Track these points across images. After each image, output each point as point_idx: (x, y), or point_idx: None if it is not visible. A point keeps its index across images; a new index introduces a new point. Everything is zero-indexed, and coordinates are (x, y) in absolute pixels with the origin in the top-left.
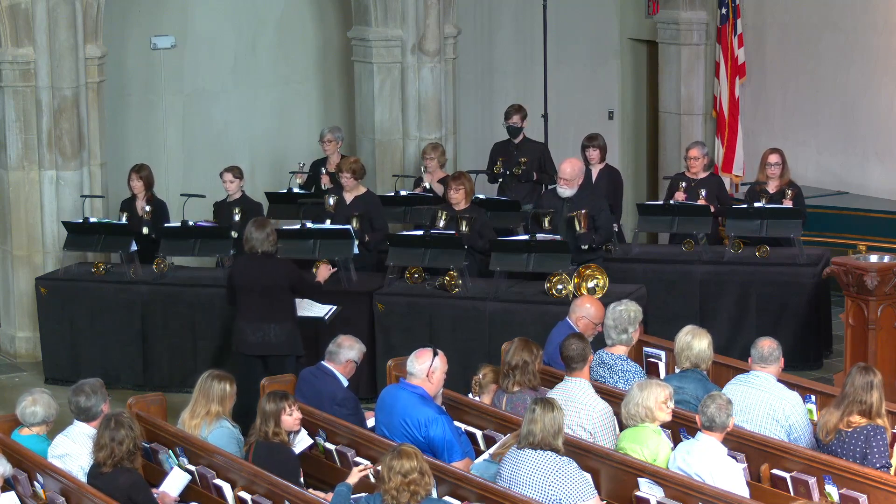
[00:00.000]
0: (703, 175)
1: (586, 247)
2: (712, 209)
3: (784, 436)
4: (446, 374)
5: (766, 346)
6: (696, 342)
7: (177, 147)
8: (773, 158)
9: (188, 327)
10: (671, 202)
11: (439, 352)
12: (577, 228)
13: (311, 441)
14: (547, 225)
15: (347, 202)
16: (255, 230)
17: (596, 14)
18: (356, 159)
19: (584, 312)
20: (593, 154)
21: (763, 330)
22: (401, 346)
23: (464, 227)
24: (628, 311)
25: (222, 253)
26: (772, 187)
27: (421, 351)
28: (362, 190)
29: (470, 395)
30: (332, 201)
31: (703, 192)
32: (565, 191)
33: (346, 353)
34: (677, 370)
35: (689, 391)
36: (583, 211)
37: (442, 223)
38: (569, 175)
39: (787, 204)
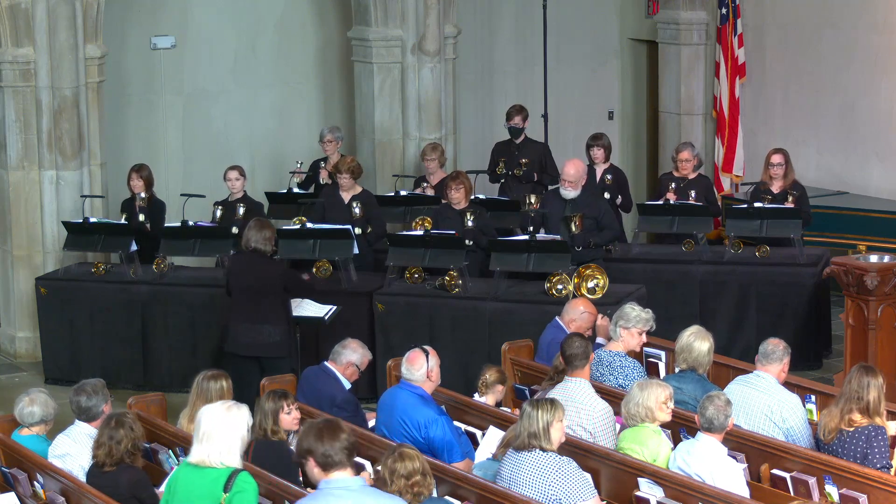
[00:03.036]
0: (692, 175)
1: (580, 248)
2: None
3: (781, 438)
4: (441, 366)
5: (770, 344)
6: (697, 343)
7: (177, 147)
8: (776, 159)
9: (188, 327)
10: (671, 202)
11: (428, 349)
12: (573, 229)
13: None
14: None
15: (345, 202)
16: (255, 231)
17: (596, 14)
18: (353, 159)
19: (577, 315)
20: (598, 153)
21: (763, 330)
22: (401, 346)
23: (469, 222)
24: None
25: (222, 253)
26: (775, 188)
27: (412, 356)
28: (359, 189)
29: (476, 396)
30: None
31: (693, 193)
32: (569, 192)
33: (349, 354)
34: (676, 370)
35: (688, 391)
36: (579, 213)
37: (470, 223)
38: (572, 177)
39: (790, 205)
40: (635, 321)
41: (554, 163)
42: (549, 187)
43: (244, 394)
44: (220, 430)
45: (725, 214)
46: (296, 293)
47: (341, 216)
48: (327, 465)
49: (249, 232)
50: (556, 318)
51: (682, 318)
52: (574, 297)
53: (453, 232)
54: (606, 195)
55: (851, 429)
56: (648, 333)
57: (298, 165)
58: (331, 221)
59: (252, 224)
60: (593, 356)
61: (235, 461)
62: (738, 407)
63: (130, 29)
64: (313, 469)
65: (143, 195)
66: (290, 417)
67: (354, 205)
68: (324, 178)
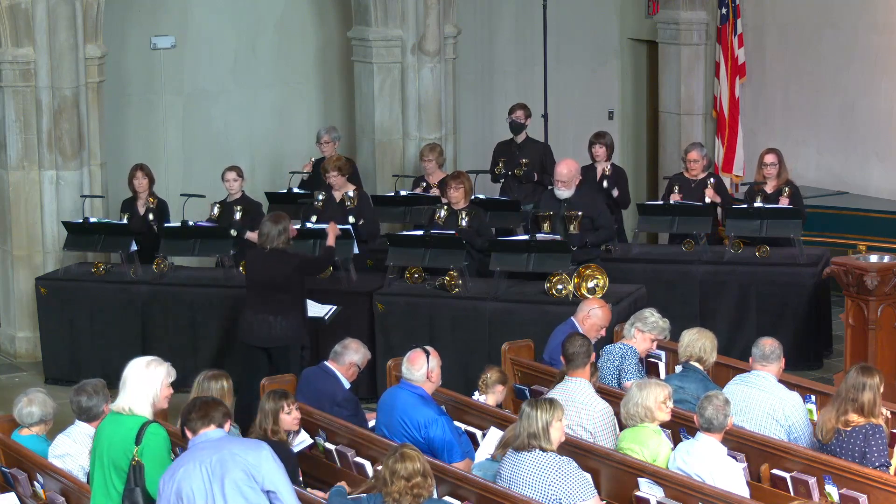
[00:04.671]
0: (702, 176)
1: (576, 247)
2: (711, 196)
3: (784, 436)
4: (441, 366)
5: (768, 345)
6: (699, 336)
7: (177, 147)
8: (769, 158)
9: (188, 327)
10: (671, 202)
11: (430, 349)
12: (570, 229)
13: (310, 441)
14: (547, 228)
15: (337, 200)
16: (271, 224)
17: (596, 14)
18: (339, 156)
19: (592, 314)
20: (599, 151)
21: (763, 330)
22: (401, 346)
23: (463, 222)
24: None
25: (222, 253)
26: (769, 187)
27: (413, 356)
28: (351, 187)
29: (475, 395)
30: (320, 198)
31: (708, 198)
32: (563, 192)
33: (351, 355)
34: (678, 368)
35: (690, 391)
36: (578, 213)
37: (443, 213)
38: (565, 177)
39: (784, 202)
40: (651, 326)
41: (554, 163)
42: (549, 188)
43: (253, 384)
44: (133, 380)
45: (725, 214)
46: (312, 269)
47: (336, 215)
48: (194, 431)
49: (266, 227)
50: (572, 317)
51: (682, 318)
52: (575, 296)
53: (453, 232)
54: (605, 185)
55: (849, 428)
56: (660, 342)
57: (305, 174)
58: (327, 221)
59: (268, 218)
60: (594, 356)
61: (144, 411)
62: (742, 407)
63: (130, 29)
64: (188, 434)
65: (150, 201)
66: (290, 417)
67: (347, 195)
68: (306, 168)
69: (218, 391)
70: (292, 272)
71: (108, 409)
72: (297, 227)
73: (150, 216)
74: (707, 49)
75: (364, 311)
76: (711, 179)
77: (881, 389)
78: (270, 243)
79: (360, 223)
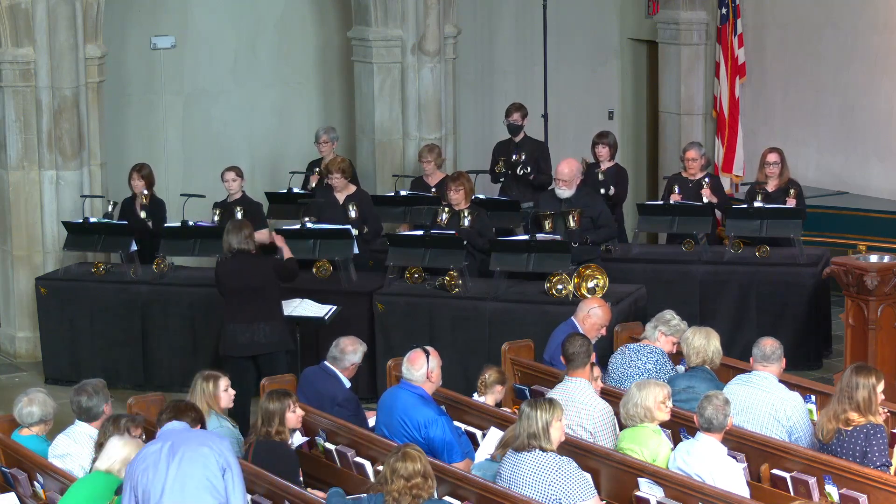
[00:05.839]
0: (700, 175)
1: (576, 244)
2: (709, 195)
3: (785, 436)
4: (442, 367)
5: (769, 345)
6: (709, 340)
7: (177, 147)
8: (772, 158)
9: (188, 327)
10: (671, 202)
11: (430, 350)
12: (570, 225)
13: (304, 438)
14: (548, 227)
15: (340, 202)
16: (234, 233)
17: (596, 14)
18: (343, 158)
19: (592, 313)
20: (602, 151)
21: (763, 330)
22: (401, 346)
23: (466, 221)
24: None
25: (222, 253)
26: (771, 186)
27: (413, 356)
28: (353, 188)
29: (475, 396)
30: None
31: (706, 198)
32: (563, 191)
33: (350, 357)
34: (679, 368)
35: (701, 391)
36: (577, 209)
37: (444, 217)
38: (566, 176)
39: (791, 203)
40: (674, 329)
41: (549, 163)
42: (550, 188)
43: (241, 395)
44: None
45: (725, 214)
46: (284, 276)
47: (337, 217)
48: (161, 423)
49: (229, 236)
50: (572, 317)
51: (683, 317)
52: (575, 296)
53: (453, 232)
54: (603, 190)
55: (850, 428)
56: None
57: (311, 189)
58: (327, 222)
59: (229, 227)
60: (594, 356)
61: None
62: (743, 407)
63: (130, 29)
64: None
65: (145, 192)
66: (294, 416)
67: (350, 207)
68: (314, 181)
69: (211, 391)
70: (271, 270)
71: (109, 409)
72: (297, 226)
73: (143, 214)
74: (707, 49)
75: (364, 311)
76: (707, 179)
77: (878, 388)
78: (238, 245)
79: (365, 231)
